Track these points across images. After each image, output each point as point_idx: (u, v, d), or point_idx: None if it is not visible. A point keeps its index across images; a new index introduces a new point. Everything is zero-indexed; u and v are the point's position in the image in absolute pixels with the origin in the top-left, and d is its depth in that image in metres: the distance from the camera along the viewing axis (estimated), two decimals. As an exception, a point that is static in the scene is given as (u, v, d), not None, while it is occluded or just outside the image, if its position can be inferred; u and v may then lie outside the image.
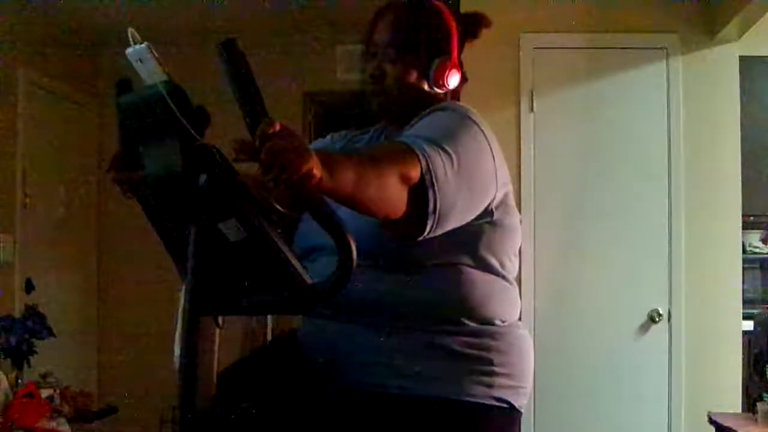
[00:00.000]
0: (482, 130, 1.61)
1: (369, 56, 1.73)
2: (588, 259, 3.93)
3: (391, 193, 1.40)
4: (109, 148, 1.47)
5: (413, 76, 1.69)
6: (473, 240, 1.63)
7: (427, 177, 1.44)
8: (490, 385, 1.63)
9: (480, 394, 1.62)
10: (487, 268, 1.65)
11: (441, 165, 1.46)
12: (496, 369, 1.63)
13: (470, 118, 1.62)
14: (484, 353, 1.63)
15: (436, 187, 1.45)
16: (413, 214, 1.45)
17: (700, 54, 3.95)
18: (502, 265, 1.68)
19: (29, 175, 4.69)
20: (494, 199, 1.62)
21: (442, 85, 1.70)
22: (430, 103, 1.69)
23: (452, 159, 1.49)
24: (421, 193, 1.44)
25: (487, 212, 1.62)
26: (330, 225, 1.27)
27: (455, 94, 1.77)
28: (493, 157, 1.61)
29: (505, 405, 1.65)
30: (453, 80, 1.72)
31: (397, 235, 1.52)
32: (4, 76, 4.52)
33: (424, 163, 1.44)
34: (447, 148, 1.49)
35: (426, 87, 1.71)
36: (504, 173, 1.65)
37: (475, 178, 1.55)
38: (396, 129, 1.71)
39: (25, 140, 4.67)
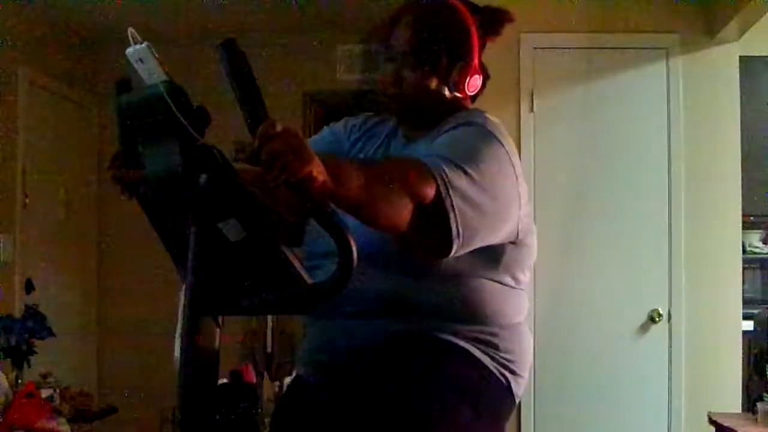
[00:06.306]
0: (506, 148, 1.59)
1: (386, 59, 1.70)
2: (588, 259, 3.93)
3: (399, 207, 1.39)
4: (109, 148, 1.46)
5: (433, 83, 1.68)
6: (494, 258, 1.62)
7: (447, 201, 1.44)
8: (493, 358, 1.63)
9: (484, 362, 1.62)
10: (500, 281, 1.65)
11: (462, 187, 1.46)
12: (501, 353, 1.64)
13: (494, 135, 1.60)
14: (489, 338, 1.63)
15: (456, 211, 1.44)
16: (437, 235, 1.45)
17: (700, 54, 3.95)
18: (515, 278, 1.68)
19: (29, 175, 4.68)
20: (519, 219, 1.61)
21: (462, 91, 1.69)
22: (451, 107, 1.69)
23: (475, 180, 1.48)
24: (443, 215, 1.44)
25: (513, 234, 1.61)
26: (330, 226, 1.27)
27: (476, 93, 1.74)
28: (516, 175, 1.60)
29: (503, 381, 1.65)
30: (474, 85, 1.70)
31: (422, 254, 1.52)
32: (4, 75, 4.52)
33: (442, 184, 1.43)
34: (469, 169, 1.48)
35: (446, 91, 1.69)
36: (525, 191, 1.64)
37: (498, 199, 1.54)
38: (413, 128, 1.72)
39: (25, 140, 4.67)
